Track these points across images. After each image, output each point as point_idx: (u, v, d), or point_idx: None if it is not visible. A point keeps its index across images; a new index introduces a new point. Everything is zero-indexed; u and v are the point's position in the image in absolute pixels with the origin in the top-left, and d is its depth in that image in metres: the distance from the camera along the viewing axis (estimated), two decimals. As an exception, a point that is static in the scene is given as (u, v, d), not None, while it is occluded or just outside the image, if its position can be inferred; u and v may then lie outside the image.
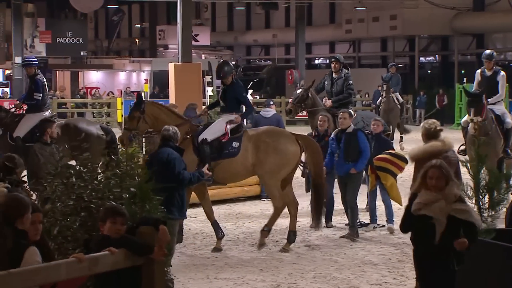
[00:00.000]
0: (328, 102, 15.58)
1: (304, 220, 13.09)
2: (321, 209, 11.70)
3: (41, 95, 14.01)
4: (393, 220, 12.43)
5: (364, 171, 12.70)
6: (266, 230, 11.51)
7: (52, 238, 6.76)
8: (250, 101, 14.46)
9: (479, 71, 14.63)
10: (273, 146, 11.51)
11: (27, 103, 14.37)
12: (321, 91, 16.25)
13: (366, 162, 12.21)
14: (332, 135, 12.52)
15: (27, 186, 7.54)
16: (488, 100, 13.92)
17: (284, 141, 11.59)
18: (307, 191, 13.67)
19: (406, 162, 11.83)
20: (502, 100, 14.70)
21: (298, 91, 15.89)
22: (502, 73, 14.47)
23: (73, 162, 9.26)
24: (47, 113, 14.24)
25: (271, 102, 17.08)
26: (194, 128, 12.05)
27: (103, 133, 13.89)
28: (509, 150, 14.12)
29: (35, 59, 14.55)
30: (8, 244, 5.20)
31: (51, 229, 6.82)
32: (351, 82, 15.77)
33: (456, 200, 6.80)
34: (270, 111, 16.15)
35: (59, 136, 11.87)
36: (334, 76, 15.69)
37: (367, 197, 13.33)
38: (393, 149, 13.10)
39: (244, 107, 12.79)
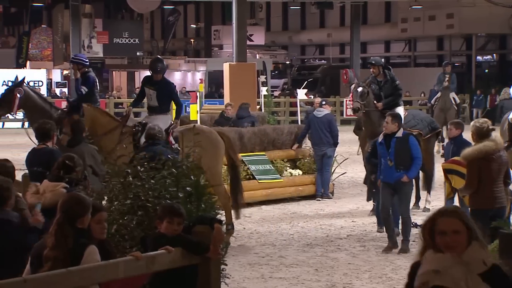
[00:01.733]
0: (379, 105, 15.35)
1: (359, 220, 13.04)
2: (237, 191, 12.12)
3: (86, 89, 13.80)
4: None
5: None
6: (230, 228, 11.43)
7: (110, 236, 6.83)
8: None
9: None
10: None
11: (71, 100, 14.31)
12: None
13: (419, 169, 11.59)
14: (379, 139, 11.58)
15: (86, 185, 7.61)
16: None
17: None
18: (368, 199, 13.62)
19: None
20: None
21: (360, 89, 15.57)
22: None
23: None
24: None
25: (324, 102, 17.07)
26: (129, 130, 12.35)
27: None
28: None
29: (87, 60, 14.48)
30: (69, 243, 5.28)
31: (109, 227, 6.89)
32: (398, 82, 15.50)
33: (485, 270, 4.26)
34: (322, 111, 16.16)
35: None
36: (379, 80, 15.39)
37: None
38: None
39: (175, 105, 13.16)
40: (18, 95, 12.97)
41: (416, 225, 12.10)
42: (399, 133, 11.36)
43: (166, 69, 13.09)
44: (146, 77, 13.46)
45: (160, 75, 12.79)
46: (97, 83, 14.31)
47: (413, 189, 12.35)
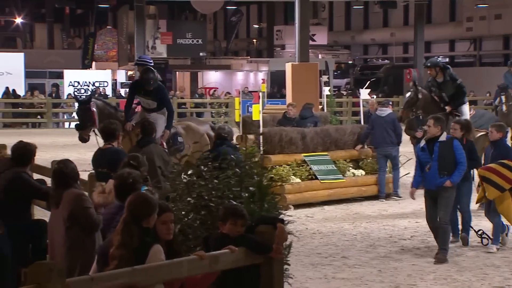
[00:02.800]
0: (448, 108, 15.11)
1: (423, 221, 12.88)
2: None
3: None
4: (498, 242, 11.33)
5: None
6: None
7: (174, 236, 6.89)
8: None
9: None
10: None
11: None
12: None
13: (463, 175, 10.73)
14: (421, 144, 10.87)
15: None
16: None
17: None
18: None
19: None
20: None
21: (407, 94, 15.45)
22: None
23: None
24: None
25: (390, 102, 16.97)
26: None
27: (212, 132, 14.03)
28: None
29: (151, 61, 14.62)
30: (134, 242, 5.34)
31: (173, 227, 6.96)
32: (459, 80, 15.26)
33: None
34: (385, 110, 16.08)
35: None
36: (439, 81, 15.15)
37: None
38: None
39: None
40: (94, 110, 13.31)
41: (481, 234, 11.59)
42: (443, 137, 10.67)
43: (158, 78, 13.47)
44: (136, 86, 13.67)
45: (153, 83, 13.21)
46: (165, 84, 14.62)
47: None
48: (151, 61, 14.41)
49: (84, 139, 13.49)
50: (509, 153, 11.28)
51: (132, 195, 5.61)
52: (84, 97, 14.31)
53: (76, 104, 14.35)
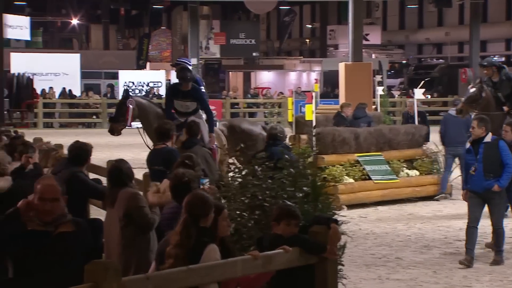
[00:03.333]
0: (505, 108, 14.87)
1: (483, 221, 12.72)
2: None
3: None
4: None
5: None
6: None
7: (229, 235, 6.92)
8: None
9: None
10: None
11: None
12: None
13: (510, 177, 10.34)
14: (467, 146, 10.61)
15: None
16: None
17: None
18: None
19: None
20: None
21: (472, 90, 15.27)
22: None
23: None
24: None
25: (458, 102, 16.81)
26: None
27: (265, 132, 13.98)
28: None
29: (190, 62, 14.64)
30: (191, 242, 5.38)
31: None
32: None
33: None
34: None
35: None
36: (494, 80, 14.91)
37: None
38: None
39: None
40: (131, 106, 13.33)
41: None
42: (488, 138, 10.36)
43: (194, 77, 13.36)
44: (173, 90, 13.50)
45: (190, 84, 13.04)
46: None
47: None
48: (190, 62, 14.57)
49: (113, 131, 13.56)
50: None
51: (189, 195, 5.65)
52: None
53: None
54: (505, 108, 14.81)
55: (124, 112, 13.34)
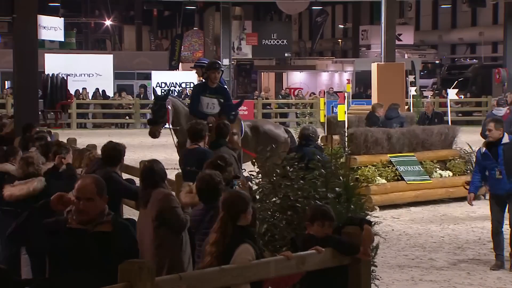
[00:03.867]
0: None
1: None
2: None
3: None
4: None
5: None
6: None
7: (261, 235, 6.92)
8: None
9: None
10: None
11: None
12: None
13: None
14: (483, 150, 10.27)
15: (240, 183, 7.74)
16: None
17: None
18: None
19: None
20: None
21: None
22: None
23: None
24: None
25: (503, 101, 16.69)
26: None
27: (288, 135, 13.91)
28: None
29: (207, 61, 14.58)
30: (227, 241, 5.40)
31: (260, 226, 6.98)
32: None
33: None
34: (502, 110, 15.83)
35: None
36: None
37: None
38: None
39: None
40: (169, 108, 13.33)
41: None
42: (506, 139, 10.13)
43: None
44: (201, 87, 13.26)
45: (219, 76, 12.94)
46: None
47: None
48: (207, 60, 14.60)
49: (155, 134, 13.48)
50: None
51: (226, 193, 5.69)
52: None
53: (153, 99, 14.28)
54: None
55: (163, 113, 13.33)
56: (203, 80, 13.64)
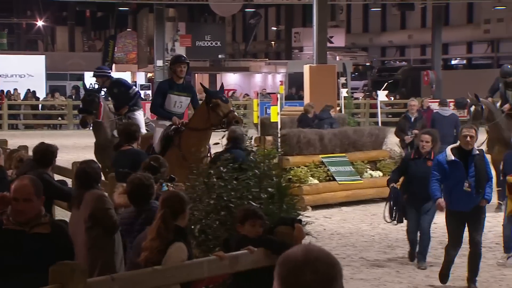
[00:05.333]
0: (507, 106, 15.00)
1: (441, 222, 12.81)
2: None
3: (136, 88, 14.01)
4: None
5: None
6: None
7: (194, 236, 6.90)
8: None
9: None
10: None
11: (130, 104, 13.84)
12: (496, 91, 15.64)
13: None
14: (451, 158, 9.09)
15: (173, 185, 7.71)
16: None
17: None
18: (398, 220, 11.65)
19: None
20: None
21: (472, 108, 15.11)
22: None
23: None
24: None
25: (447, 101, 17.08)
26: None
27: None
28: None
29: (109, 70, 14.31)
30: (166, 237, 5.38)
31: (193, 227, 6.97)
32: None
33: None
34: (448, 110, 16.13)
35: None
36: (509, 81, 15.08)
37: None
38: None
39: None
40: (102, 103, 13.23)
41: None
42: (475, 151, 9.18)
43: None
44: (167, 83, 12.13)
45: (186, 70, 12.00)
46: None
47: None
48: (109, 71, 14.36)
49: (86, 123, 13.33)
50: None
51: (166, 192, 5.69)
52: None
53: (83, 92, 14.14)
54: (506, 107, 14.96)
55: (96, 106, 13.19)
56: (103, 89, 13.68)
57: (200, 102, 11.82)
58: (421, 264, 10.35)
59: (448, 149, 9.17)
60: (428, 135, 10.33)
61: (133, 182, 6.49)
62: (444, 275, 9.45)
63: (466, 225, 9.17)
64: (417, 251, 10.45)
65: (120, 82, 14.02)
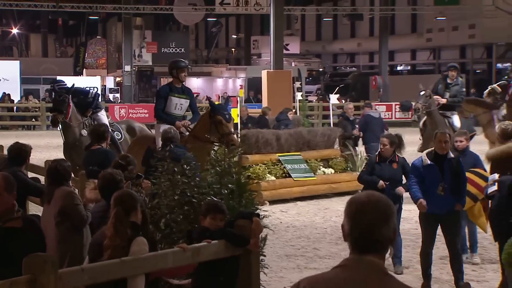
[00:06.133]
0: (443, 100, 15.23)
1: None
2: None
3: (94, 90, 13.72)
4: (477, 249, 10.15)
5: None
6: None
7: (160, 229, 6.85)
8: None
9: None
10: None
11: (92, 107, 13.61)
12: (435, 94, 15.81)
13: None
14: (427, 162, 8.65)
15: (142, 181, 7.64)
16: None
17: None
18: None
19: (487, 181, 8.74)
20: None
21: (422, 92, 15.16)
22: None
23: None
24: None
25: (372, 104, 17.31)
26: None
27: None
28: None
29: (65, 83, 13.81)
30: (125, 233, 5.31)
31: (158, 221, 6.92)
32: (464, 89, 15.56)
33: None
34: (376, 112, 16.35)
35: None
36: (448, 82, 15.39)
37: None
38: (482, 167, 9.58)
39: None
40: (71, 104, 13.10)
41: None
42: (450, 155, 8.73)
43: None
44: (168, 87, 11.87)
45: (185, 74, 11.72)
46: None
47: None
48: (65, 83, 13.87)
49: (57, 121, 13.19)
50: (478, 161, 9.67)
51: (117, 192, 5.59)
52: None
53: (53, 93, 13.85)
54: (442, 100, 15.20)
55: (66, 106, 13.05)
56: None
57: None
58: (398, 268, 9.54)
59: (424, 154, 8.75)
60: (385, 138, 9.79)
61: (104, 178, 6.43)
62: (426, 275, 8.82)
63: (440, 227, 8.74)
64: (392, 256, 9.62)
65: (77, 91, 13.75)
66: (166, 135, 9.95)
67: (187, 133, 11.23)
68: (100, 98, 13.67)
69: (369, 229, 3.03)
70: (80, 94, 13.74)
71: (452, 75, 15.39)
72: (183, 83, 11.93)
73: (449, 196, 8.56)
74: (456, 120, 15.17)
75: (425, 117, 15.32)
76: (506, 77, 22.61)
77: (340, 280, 3.00)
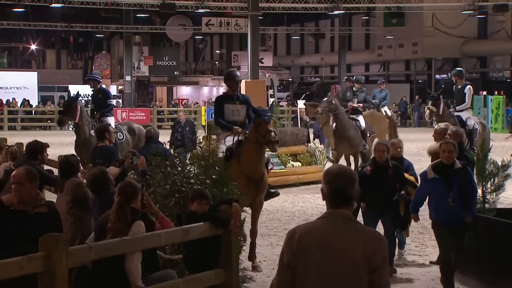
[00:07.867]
0: (351, 104, 15.36)
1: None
2: None
3: (113, 101, 13.82)
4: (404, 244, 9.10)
5: None
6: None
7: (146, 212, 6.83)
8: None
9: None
10: None
11: (103, 111, 13.39)
12: (346, 101, 15.73)
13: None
14: (431, 175, 7.10)
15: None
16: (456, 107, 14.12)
17: None
18: None
19: (415, 188, 7.84)
20: (468, 108, 14.32)
21: (325, 98, 15.21)
22: (469, 86, 14.26)
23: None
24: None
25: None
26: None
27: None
28: (474, 147, 12.93)
29: (100, 77, 14.02)
30: (126, 218, 5.30)
31: (154, 206, 6.89)
32: (369, 96, 15.75)
33: None
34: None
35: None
36: (355, 90, 15.74)
37: None
38: (413, 174, 8.58)
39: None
40: (79, 107, 13.00)
41: None
42: (457, 165, 7.11)
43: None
44: (222, 97, 9.79)
45: (239, 85, 9.90)
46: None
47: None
48: (100, 77, 14.08)
49: (63, 122, 13.14)
50: (409, 167, 8.64)
51: (122, 182, 5.59)
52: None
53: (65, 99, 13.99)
54: (351, 104, 15.28)
55: (73, 109, 12.96)
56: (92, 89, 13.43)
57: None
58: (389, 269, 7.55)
59: (429, 167, 7.22)
60: (382, 144, 8.18)
61: (94, 174, 6.37)
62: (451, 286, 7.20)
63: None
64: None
65: (105, 91, 13.85)
66: (147, 134, 9.99)
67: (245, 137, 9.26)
68: (113, 109, 13.63)
69: (340, 190, 3.55)
70: (105, 94, 13.62)
71: (357, 87, 15.62)
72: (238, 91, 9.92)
73: (460, 208, 7.02)
74: (362, 121, 15.16)
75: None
76: (443, 85, 22.74)
77: (322, 225, 3.56)
